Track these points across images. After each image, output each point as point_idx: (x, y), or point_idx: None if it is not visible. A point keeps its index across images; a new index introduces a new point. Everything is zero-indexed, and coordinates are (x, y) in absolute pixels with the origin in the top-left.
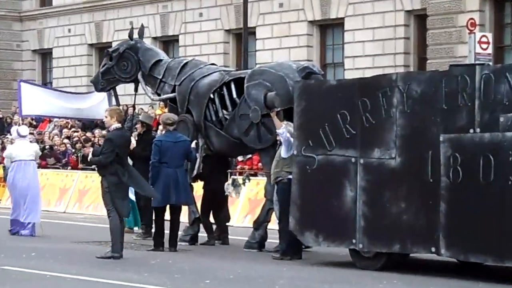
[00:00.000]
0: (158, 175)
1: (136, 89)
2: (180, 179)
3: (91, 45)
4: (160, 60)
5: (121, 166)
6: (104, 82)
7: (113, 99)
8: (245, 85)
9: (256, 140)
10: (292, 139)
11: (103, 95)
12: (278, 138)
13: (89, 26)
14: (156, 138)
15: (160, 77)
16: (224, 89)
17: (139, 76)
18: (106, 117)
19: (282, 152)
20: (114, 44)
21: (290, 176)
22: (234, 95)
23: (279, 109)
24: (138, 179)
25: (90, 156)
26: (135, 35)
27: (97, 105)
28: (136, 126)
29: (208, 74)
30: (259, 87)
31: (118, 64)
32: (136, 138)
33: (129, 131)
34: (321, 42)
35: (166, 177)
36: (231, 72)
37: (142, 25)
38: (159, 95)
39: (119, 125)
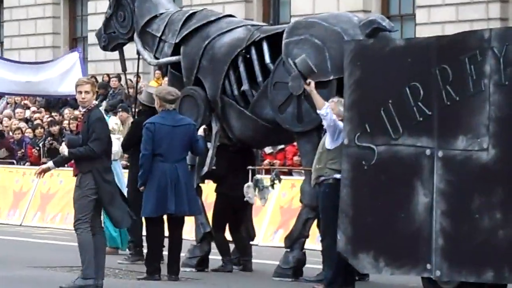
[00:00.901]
0: (150, 173)
1: (138, 52)
2: (182, 179)
3: None
4: (161, 14)
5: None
6: (106, 38)
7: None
8: (283, 42)
9: (294, 119)
10: (341, 124)
11: (74, 60)
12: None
13: None
14: (148, 120)
15: (159, 34)
16: (253, 51)
17: (135, 36)
18: (86, 92)
19: (327, 141)
20: None
21: (338, 175)
22: (267, 60)
23: (331, 77)
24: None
25: (64, 148)
26: None
27: (63, 75)
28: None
29: (229, 30)
30: (304, 45)
31: (116, 14)
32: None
33: (111, 111)
34: None
35: (162, 175)
36: (263, 28)
37: None
38: (158, 59)
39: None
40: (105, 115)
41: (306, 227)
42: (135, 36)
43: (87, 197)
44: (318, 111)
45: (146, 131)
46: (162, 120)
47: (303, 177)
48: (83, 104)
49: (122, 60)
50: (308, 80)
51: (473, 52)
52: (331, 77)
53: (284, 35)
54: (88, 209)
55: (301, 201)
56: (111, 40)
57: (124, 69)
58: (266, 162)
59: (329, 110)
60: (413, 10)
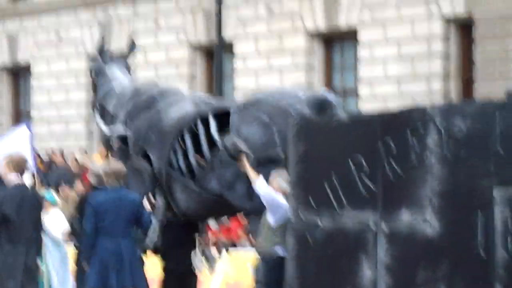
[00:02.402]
0: (93, 250)
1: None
2: (126, 254)
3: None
4: (115, 89)
5: (10, 238)
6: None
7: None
8: (231, 119)
9: (244, 196)
10: (278, 197)
11: (24, 133)
12: None
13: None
14: (91, 196)
15: (112, 109)
16: (200, 125)
17: (94, 109)
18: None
19: (268, 216)
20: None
21: (279, 251)
22: (214, 134)
23: (280, 152)
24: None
25: None
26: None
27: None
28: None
29: (177, 104)
30: (252, 122)
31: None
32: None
33: (53, 186)
34: (325, 60)
35: (104, 251)
36: (210, 102)
37: (102, 36)
38: None
39: (18, 178)
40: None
41: None
42: (94, 109)
43: None
44: (253, 185)
45: (88, 207)
46: (106, 195)
47: (249, 251)
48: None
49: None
50: (239, 156)
51: (416, 126)
52: (279, 152)
53: (232, 113)
54: None
55: (254, 278)
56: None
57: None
58: (209, 236)
59: (261, 184)
60: (355, 85)
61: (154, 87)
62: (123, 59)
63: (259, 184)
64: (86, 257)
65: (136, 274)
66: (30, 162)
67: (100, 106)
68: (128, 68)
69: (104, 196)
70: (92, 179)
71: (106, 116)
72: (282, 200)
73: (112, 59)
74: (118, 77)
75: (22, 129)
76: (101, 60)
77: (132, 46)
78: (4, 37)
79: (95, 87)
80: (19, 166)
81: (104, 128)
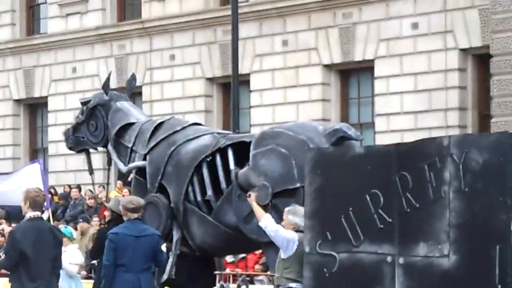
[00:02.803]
0: (113, 283)
1: (109, 163)
2: None
3: (18, 101)
4: (132, 124)
5: (29, 274)
6: (74, 140)
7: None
8: (251, 153)
9: (261, 230)
10: (285, 233)
11: (34, 171)
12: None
13: (15, 74)
14: (111, 231)
15: (131, 145)
16: (218, 157)
17: (109, 147)
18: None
19: (281, 250)
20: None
21: (294, 285)
22: (232, 166)
23: (298, 185)
24: None
25: None
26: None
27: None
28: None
29: (195, 137)
30: (271, 155)
31: (87, 122)
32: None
33: (71, 221)
34: (341, 94)
35: (125, 286)
36: (228, 135)
37: (109, 74)
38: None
39: (35, 213)
40: (63, 226)
41: None
42: (110, 147)
43: None
44: (260, 223)
45: (109, 242)
46: (125, 230)
47: (265, 286)
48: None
49: (89, 163)
50: (248, 193)
51: (432, 159)
52: (298, 185)
53: (252, 147)
54: None
55: None
56: (79, 143)
57: (91, 172)
58: (227, 270)
59: (267, 222)
60: (372, 118)
61: (175, 120)
62: (125, 95)
63: (265, 222)
64: None
65: None
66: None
67: (115, 141)
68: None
69: (123, 231)
70: (109, 214)
71: (122, 151)
72: (290, 234)
73: (116, 95)
74: (133, 112)
75: (33, 166)
76: (106, 95)
77: (132, 82)
78: (21, 72)
79: (94, 124)
80: (37, 202)
81: (122, 167)
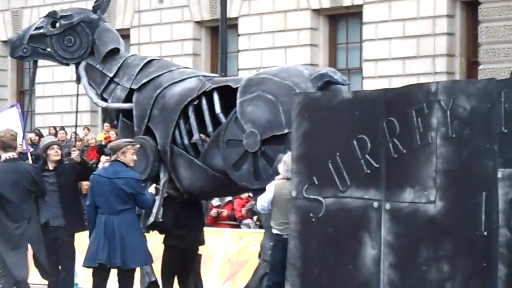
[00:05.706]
0: (93, 223)
1: (78, 81)
2: (117, 231)
3: (5, 42)
4: (117, 50)
5: (9, 215)
6: (28, 49)
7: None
8: (237, 100)
9: (251, 176)
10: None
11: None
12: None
13: (3, 15)
14: (93, 173)
15: (111, 74)
16: (204, 100)
17: (80, 68)
18: None
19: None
20: None
21: (275, 231)
22: (218, 110)
23: (286, 131)
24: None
25: None
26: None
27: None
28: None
29: (181, 80)
30: (257, 102)
31: (61, 36)
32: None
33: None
34: (330, 39)
35: (99, 227)
36: (214, 79)
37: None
38: (105, 100)
39: (9, 154)
40: None
41: (262, 283)
42: (81, 69)
43: None
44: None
45: (89, 183)
46: (103, 172)
47: (251, 230)
48: None
49: (34, 74)
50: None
51: (420, 105)
52: (286, 131)
53: (238, 94)
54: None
55: (259, 255)
56: (35, 53)
57: (32, 84)
58: (213, 211)
59: (258, 204)
60: (360, 64)
61: (166, 62)
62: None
63: (258, 206)
64: (90, 230)
65: (129, 252)
66: (22, 142)
67: (89, 67)
68: None
69: (100, 173)
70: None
71: (96, 77)
72: (267, 192)
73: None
74: (120, 40)
75: (11, 110)
76: (96, 15)
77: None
78: (9, 13)
79: (72, 39)
80: (5, 143)
81: (93, 96)
